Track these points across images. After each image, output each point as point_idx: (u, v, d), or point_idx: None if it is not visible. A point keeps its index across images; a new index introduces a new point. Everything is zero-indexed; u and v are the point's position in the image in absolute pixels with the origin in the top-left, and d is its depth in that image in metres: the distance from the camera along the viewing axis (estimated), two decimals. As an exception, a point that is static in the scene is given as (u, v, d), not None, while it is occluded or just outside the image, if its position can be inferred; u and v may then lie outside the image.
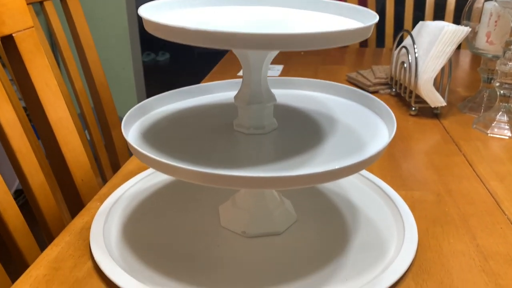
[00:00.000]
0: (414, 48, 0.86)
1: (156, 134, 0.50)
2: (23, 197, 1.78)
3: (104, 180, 1.07)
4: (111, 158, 1.13)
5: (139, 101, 2.38)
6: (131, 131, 0.51)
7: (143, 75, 2.52)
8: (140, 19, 2.53)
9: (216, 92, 0.62)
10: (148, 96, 2.55)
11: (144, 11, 0.45)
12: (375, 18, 0.44)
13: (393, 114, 0.49)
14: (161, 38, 0.40)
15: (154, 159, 0.41)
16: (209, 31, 0.37)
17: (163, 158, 0.44)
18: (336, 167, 0.40)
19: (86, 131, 1.08)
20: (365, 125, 0.52)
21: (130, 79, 2.37)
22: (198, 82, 1.07)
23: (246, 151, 0.47)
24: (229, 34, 0.37)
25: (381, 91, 1.01)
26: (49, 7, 0.96)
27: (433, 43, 0.83)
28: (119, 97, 2.24)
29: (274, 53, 0.48)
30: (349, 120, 0.53)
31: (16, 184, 1.73)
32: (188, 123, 0.53)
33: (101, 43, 2.24)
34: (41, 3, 0.94)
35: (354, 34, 0.40)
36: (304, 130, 0.51)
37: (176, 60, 4.05)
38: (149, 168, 0.66)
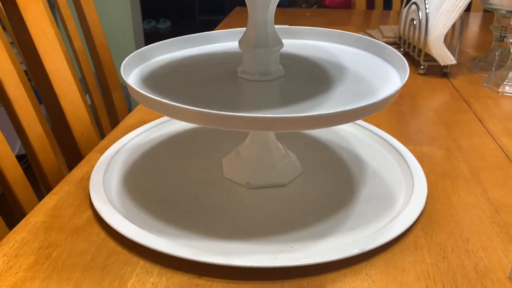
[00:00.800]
0: (425, 4, 0.83)
1: (157, 80, 0.48)
2: (25, 161, 1.78)
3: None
4: (112, 120, 1.11)
5: (140, 67, 2.35)
6: (131, 77, 0.48)
7: (144, 43, 2.47)
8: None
9: (220, 42, 0.59)
10: (149, 62, 2.51)
11: None
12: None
13: (404, 59, 0.47)
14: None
15: (156, 100, 0.39)
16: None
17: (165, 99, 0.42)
18: (345, 109, 0.38)
19: (87, 96, 1.05)
20: (375, 72, 0.49)
21: (131, 45, 2.33)
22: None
23: (251, 98, 0.45)
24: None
25: (389, 51, 0.98)
26: (46, -40, 0.92)
27: (445, -3, 0.80)
28: (118, 62, 2.21)
29: (281, -7, 0.45)
30: (359, 68, 0.51)
31: (18, 149, 1.72)
32: (190, 71, 0.51)
33: (100, 6, 2.19)
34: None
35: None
36: (312, 78, 0.49)
37: (177, 27, 3.98)
38: (150, 122, 0.64)
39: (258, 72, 0.48)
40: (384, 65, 0.51)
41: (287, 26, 0.60)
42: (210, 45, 0.59)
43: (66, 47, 0.94)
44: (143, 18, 2.64)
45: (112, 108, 1.07)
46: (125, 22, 2.30)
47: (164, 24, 3.95)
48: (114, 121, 1.10)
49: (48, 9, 0.81)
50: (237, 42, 0.59)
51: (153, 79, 0.48)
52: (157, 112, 0.41)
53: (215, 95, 0.45)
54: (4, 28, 0.79)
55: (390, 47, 0.51)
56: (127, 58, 0.48)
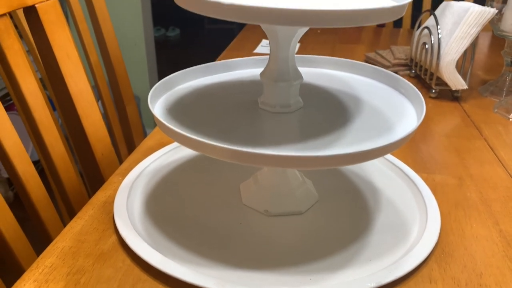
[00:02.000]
0: (438, 29, 0.84)
1: (181, 110, 0.50)
2: (37, 166, 1.80)
3: (118, 155, 1.08)
4: (125, 133, 1.13)
5: (150, 77, 2.38)
6: (157, 106, 0.50)
7: (155, 53, 2.50)
8: (153, -7, 2.47)
9: (240, 69, 0.61)
10: (160, 72, 2.54)
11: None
12: (410, -4, 0.43)
13: (421, 95, 0.48)
14: (193, 11, 0.40)
15: (181, 134, 0.41)
16: (242, 5, 0.36)
17: (189, 133, 0.44)
18: (364, 149, 0.39)
19: (100, 105, 1.07)
20: (391, 106, 0.51)
21: (142, 55, 2.36)
22: (209, 58, 1.06)
23: (272, 130, 0.47)
24: (261, 9, 0.36)
25: (400, 72, 0.99)
26: (65, -22, 0.94)
27: (458, 24, 0.81)
28: (131, 73, 2.24)
29: (303, 31, 0.47)
30: (375, 100, 0.53)
31: (30, 153, 1.74)
32: (212, 100, 0.53)
33: (113, 19, 2.22)
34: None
35: (389, 13, 0.39)
36: (329, 110, 0.51)
37: (186, 35, 4.02)
38: (169, 144, 0.66)
39: (278, 104, 0.50)
40: (400, 98, 0.53)
41: (304, 55, 0.61)
42: (230, 73, 0.60)
43: (82, 61, 0.97)
44: (153, 26, 2.66)
45: (126, 120, 1.10)
46: (137, 32, 2.33)
47: (173, 32, 3.99)
48: (128, 133, 1.12)
49: (72, 34, 0.83)
50: (256, 69, 0.61)
51: (178, 109, 0.50)
52: (184, 146, 0.42)
53: (237, 126, 0.47)
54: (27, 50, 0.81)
55: (405, 80, 0.53)
56: (153, 89, 0.50)
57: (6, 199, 1.70)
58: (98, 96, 1.07)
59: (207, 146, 0.40)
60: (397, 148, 0.42)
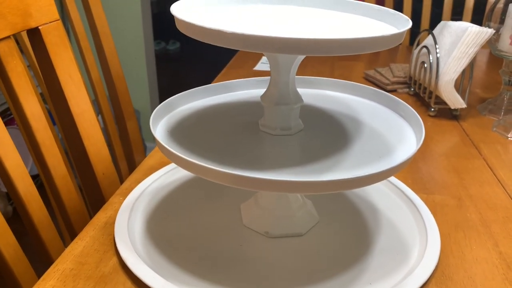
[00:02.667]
0: (436, 48, 0.85)
1: (182, 132, 0.50)
2: (36, 181, 1.80)
3: (118, 171, 1.08)
4: (125, 149, 1.13)
5: (151, 91, 2.39)
6: (158, 128, 0.51)
7: (156, 66, 2.52)
8: (152, 9, 2.50)
9: (240, 90, 0.62)
10: (160, 85, 2.55)
11: (176, 9, 0.45)
12: (408, 23, 0.44)
13: (420, 119, 0.49)
14: (194, 38, 0.40)
15: (183, 159, 0.42)
16: (244, 34, 0.37)
17: (190, 157, 0.44)
18: (364, 174, 0.40)
19: (101, 120, 1.08)
20: (390, 129, 0.51)
21: (142, 69, 2.37)
22: (209, 72, 1.07)
23: (272, 153, 0.47)
24: (263, 38, 0.37)
25: (399, 90, 1.00)
26: (68, -4, 0.96)
27: (456, 44, 0.82)
28: (131, 86, 2.25)
29: (303, 56, 0.48)
30: (375, 122, 0.53)
31: (29, 168, 1.75)
32: (213, 121, 0.53)
33: (113, 33, 2.24)
34: (60, -8, 0.94)
35: (390, 40, 0.40)
36: (329, 132, 0.51)
37: (187, 49, 4.04)
38: (170, 163, 0.66)
39: (279, 127, 0.50)
40: (400, 121, 0.53)
41: (305, 76, 0.62)
42: (231, 94, 0.61)
43: (83, 77, 0.98)
44: (153, 40, 2.69)
45: (126, 136, 1.10)
46: (138, 46, 2.35)
47: (174, 46, 4.02)
48: (128, 150, 1.13)
49: (74, 55, 0.84)
50: (257, 90, 0.62)
51: (179, 131, 0.50)
52: (185, 169, 0.43)
53: (238, 149, 0.47)
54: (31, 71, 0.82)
55: (405, 103, 0.53)
56: (155, 111, 0.50)
57: (5, 214, 1.70)
58: (98, 111, 1.07)
59: (208, 170, 0.41)
60: (396, 172, 0.42)
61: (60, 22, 0.63)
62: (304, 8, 0.54)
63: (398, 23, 0.46)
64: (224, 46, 0.39)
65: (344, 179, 0.39)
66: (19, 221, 0.59)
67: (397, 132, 0.51)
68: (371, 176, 0.40)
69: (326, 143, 0.49)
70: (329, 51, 0.37)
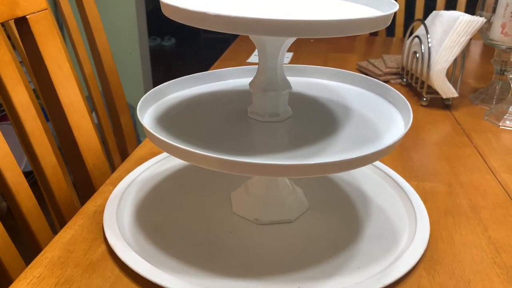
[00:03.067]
0: (428, 38, 0.85)
1: (170, 120, 0.50)
2: (30, 178, 1.79)
3: (112, 164, 1.08)
4: (119, 142, 1.13)
5: (145, 86, 2.38)
6: (146, 116, 0.50)
7: (150, 62, 2.51)
8: (147, 3, 2.49)
9: (230, 79, 0.61)
10: (154, 81, 2.55)
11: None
12: (395, 6, 0.44)
13: (408, 104, 0.49)
14: (180, 22, 0.40)
15: (170, 144, 0.41)
16: (228, 16, 0.37)
17: (178, 143, 0.44)
18: (351, 157, 0.40)
19: (94, 115, 1.08)
20: (379, 115, 0.51)
21: (137, 64, 2.36)
22: (204, 68, 1.07)
23: (261, 139, 0.47)
24: (248, 20, 0.37)
25: (392, 81, 1.00)
26: (59, -11, 0.95)
27: (447, 33, 0.82)
28: (125, 82, 2.24)
29: (290, 41, 0.47)
30: (363, 109, 0.53)
31: (23, 165, 1.74)
32: (202, 109, 0.53)
33: (107, 28, 2.22)
34: (51, -15, 0.93)
35: (375, 22, 0.39)
36: (318, 119, 0.51)
37: (182, 45, 4.03)
38: (160, 153, 0.66)
39: (267, 113, 0.50)
40: (389, 106, 0.53)
41: (294, 65, 0.62)
42: (220, 82, 0.61)
43: (76, 71, 0.97)
44: (148, 36, 2.68)
45: (120, 130, 1.10)
46: (132, 41, 2.34)
47: (169, 42, 4.01)
48: (121, 143, 1.12)
49: (64, 45, 0.84)
50: (246, 79, 0.61)
51: (167, 118, 0.50)
52: (172, 155, 0.42)
53: (227, 136, 0.47)
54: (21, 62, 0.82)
55: (393, 89, 0.53)
56: (142, 99, 0.50)
57: (0, 210, 1.69)
58: (92, 107, 1.07)
59: (196, 156, 0.41)
60: (384, 155, 0.42)
61: (48, 11, 0.63)
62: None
63: (385, 8, 0.46)
64: (209, 29, 0.38)
65: (331, 161, 0.39)
66: (14, 218, 0.59)
67: (386, 118, 0.51)
68: (358, 159, 0.40)
69: (315, 129, 0.49)
70: (314, 33, 0.37)
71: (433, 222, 0.53)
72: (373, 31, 0.40)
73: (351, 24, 0.38)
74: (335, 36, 0.38)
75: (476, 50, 1.31)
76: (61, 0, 0.96)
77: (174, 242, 0.49)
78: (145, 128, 0.44)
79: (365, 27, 0.39)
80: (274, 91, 0.49)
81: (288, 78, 0.61)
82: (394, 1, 0.45)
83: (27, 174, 1.81)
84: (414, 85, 0.92)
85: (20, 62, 0.99)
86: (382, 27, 0.41)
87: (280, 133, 0.48)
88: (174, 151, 0.42)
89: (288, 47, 0.48)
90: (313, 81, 0.61)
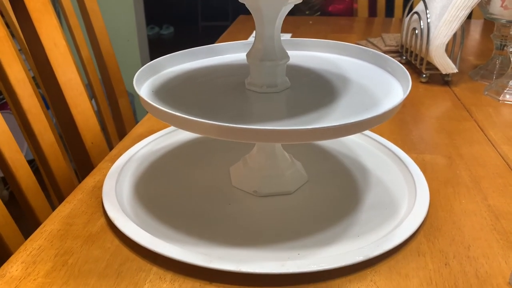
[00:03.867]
0: (427, 14, 0.84)
1: (168, 92, 0.50)
2: (32, 165, 1.80)
3: (111, 148, 1.08)
4: (118, 127, 1.13)
5: (144, 74, 2.37)
6: (143, 89, 0.50)
7: (148, 49, 2.50)
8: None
9: (227, 53, 0.61)
10: (153, 69, 2.54)
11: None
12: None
13: (407, 72, 0.48)
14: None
15: (168, 113, 0.41)
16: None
17: (177, 112, 0.44)
18: (348, 122, 0.39)
19: (93, 100, 1.07)
20: (378, 84, 0.51)
21: (135, 51, 2.35)
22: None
23: (259, 109, 0.47)
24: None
25: (391, 59, 0.99)
26: (54, -29, 0.94)
27: (446, 7, 0.81)
28: (124, 70, 2.23)
29: (288, 7, 0.47)
30: (362, 79, 0.53)
31: (25, 152, 1.74)
32: (200, 82, 0.52)
33: (105, 16, 2.21)
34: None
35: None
36: (317, 89, 0.51)
37: (180, 34, 4.01)
38: (159, 131, 0.66)
39: (265, 84, 0.50)
40: (387, 76, 0.53)
41: (292, 38, 0.61)
42: (217, 57, 0.60)
43: (73, 56, 0.96)
44: (147, 24, 2.67)
45: (119, 114, 1.09)
46: (130, 29, 2.33)
47: (167, 30, 3.98)
48: (120, 128, 1.12)
49: (59, 22, 0.83)
50: (244, 53, 0.61)
51: (164, 91, 0.50)
52: (169, 124, 0.42)
53: (224, 106, 0.47)
54: (13, 36, 0.81)
55: (392, 59, 0.53)
56: (139, 71, 0.49)
57: (1, 198, 1.70)
58: (91, 94, 1.06)
59: (194, 123, 0.40)
60: (382, 121, 0.42)
61: (42, -12, 0.62)
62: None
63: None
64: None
65: (328, 126, 0.39)
66: (15, 206, 0.59)
67: (385, 87, 0.50)
68: (356, 123, 0.40)
69: (313, 99, 0.48)
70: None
71: (432, 192, 0.53)
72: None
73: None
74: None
75: (476, 29, 1.30)
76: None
77: (173, 214, 0.49)
78: (142, 98, 0.44)
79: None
80: (271, 61, 0.48)
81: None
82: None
83: (28, 163, 1.81)
84: (413, 62, 0.92)
85: (20, 51, 0.98)
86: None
87: (278, 103, 0.48)
88: (173, 120, 0.42)
89: (285, 14, 0.47)
90: (312, 54, 0.61)
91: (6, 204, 0.54)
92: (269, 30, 0.47)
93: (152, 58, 2.57)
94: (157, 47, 3.55)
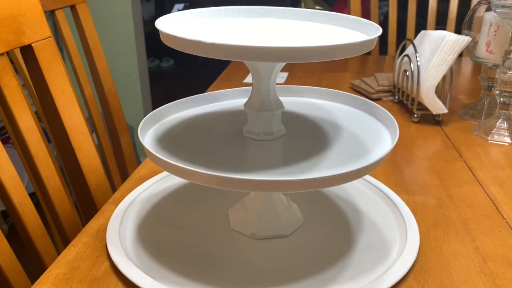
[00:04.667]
0: (416, 57, 0.88)
1: (170, 140, 0.52)
2: (33, 198, 1.81)
3: (112, 184, 1.10)
4: (119, 163, 1.15)
5: (144, 107, 2.41)
6: (147, 137, 0.53)
7: (149, 83, 2.55)
8: (145, 26, 2.54)
9: (225, 100, 0.64)
10: (154, 102, 2.58)
11: (160, 23, 0.48)
12: (379, 31, 0.47)
13: (395, 120, 0.51)
14: (178, 50, 0.43)
15: (170, 163, 0.44)
16: (223, 44, 0.40)
17: (178, 162, 0.46)
18: (341, 172, 0.42)
19: (95, 136, 1.10)
20: (368, 132, 0.54)
21: (136, 85, 2.40)
22: (203, 88, 1.10)
23: (256, 156, 0.50)
24: (241, 48, 0.40)
25: (384, 99, 1.03)
26: (59, 15, 0.99)
27: (435, 52, 0.86)
28: (125, 103, 2.27)
29: (282, 64, 0.50)
30: (353, 126, 0.56)
31: (25, 184, 1.76)
32: (200, 130, 0.55)
33: (107, 50, 2.27)
34: (52, 11, 0.97)
35: (360, 47, 0.42)
36: (310, 136, 0.53)
37: (180, 66, 4.09)
38: (160, 173, 0.68)
39: (262, 132, 0.53)
40: (377, 124, 0.56)
41: (287, 85, 0.65)
42: (217, 103, 0.64)
43: (76, 94, 1.00)
44: (147, 57, 2.73)
45: (120, 151, 1.12)
46: (131, 63, 2.39)
47: (167, 63, 4.06)
48: (122, 164, 1.15)
49: (66, 69, 0.87)
50: (242, 99, 0.64)
51: (167, 139, 0.53)
52: (172, 174, 0.45)
53: (223, 154, 0.50)
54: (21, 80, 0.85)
55: (381, 107, 0.56)
56: (143, 121, 0.53)
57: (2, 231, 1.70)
58: (93, 128, 1.10)
59: (194, 174, 0.43)
60: (372, 170, 0.45)
61: (52, 39, 0.66)
62: (285, 20, 0.57)
63: (370, 31, 0.49)
64: (205, 56, 0.41)
65: (322, 177, 0.42)
66: (15, 239, 0.61)
67: (375, 135, 0.53)
68: (347, 174, 0.42)
69: (307, 147, 0.51)
70: (302, 58, 0.40)
71: (423, 234, 0.55)
72: (357, 54, 0.43)
73: (336, 49, 0.41)
74: (322, 60, 0.41)
75: (466, 67, 1.35)
76: (61, 25, 0.99)
77: (174, 257, 0.51)
78: (146, 148, 0.47)
79: (350, 51, 0.42)
80: (268, 111, 0.51)
81: (281, 98, 0.64)
82: (378, 26, 0.48)
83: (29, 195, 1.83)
84: (405, 102, 0.95)
85: (22, 85, 1.02)
86: (367, 50, 0.44)
87: (274, 150, 0.51)
88: (174, 170, 0.44)
89: (280, 69, 0.51)
90: (305, 101, 0.64)
91: (6, 237, 0.56)
92: (265, 84, 0.50)
93: (153, 90, 2.61)
94: (158, 80, 3.62)
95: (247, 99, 0.64)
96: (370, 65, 1.38)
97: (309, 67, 1.33)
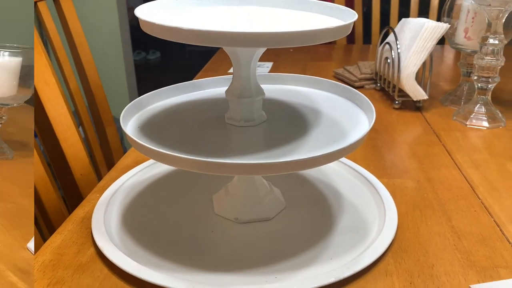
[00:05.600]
0: (397, 44, 0.90)
1: (152, 128, 0.53)
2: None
3: (99, 176, 1.10)
4: (106, 155, 1.16)
5: (131, 100, 2.41)
6: (129, 125, 0.54)
7: (135, 76, 2.54)
8: (131, 18, 2.53)
9: (208, 88, 0.65)
10: (140, 95, 2.58)
11: (140, 11, 0.48)
12: (354, 16, 0.48)
13: (372, 105, 0.53)
14: (157, 37, 0.44)
15: (153, 150, 0.45)
16: (201, 30, 0.40)
17: (160, 148, 0.47)
18: (319, 154, 0.44)
19: (81, 129, 1.10)
20: (347, 117, 0.55)
21: (122, 78, 2.39)
22: (190, 80, 1.11)
23: (238, 142, 0.51)
24: (219, 33, 0.40)
25: (367, 86, 1.05)
26: (42, 7, 0.98)
27: (415, 39, 0.87)
28: (111, 95, 2.26)
29: (261, 50, 0.51)
30: (333, 112, 0.57)
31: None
32: (182, 117, 0.56)
33: (92, 42, 2.25)
34: (34, 3, 0.96)
35: (334, 32, 0.43)
36: (291, 122, 0.55)
37: (167, 58, 4.07)
38: (145, 162, 0.69)
39: (243, 119, 0.54)
40: (356, 109, 0.57)
41: (269, 73, 0.66)
42: (200, 92, 0.64)
43: (62, 87, 1.00)
44: (133, 50, 2.71)
45: (106, 143, 1.12)
46: (117, 56, 2.37)
47: (154, 55, 4.04)
48: (108, 155, 1.15)
49: (50, 61, 0.87)
50: (224, 88, 0.65)
51: (149, 127, 0.53)
52: (153, 159, 0.46)
53: (206, 140, 0.51)
54: None
55: (359, 92, 0.57)
56: (125, 109, 0.53)
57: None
58: (79, 121, 1.10)
59: (177, 159, 0.44)
60: (349, 152, 0.46)
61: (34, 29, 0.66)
62: (264, 8, 0.58)
63: (347, 17, 0.50)
64: (184, 42, 0.42)
65: (300, 159, 0.43)
66: None
67: (353, 120, 0.55)
68: (324, 156, 0.44)
69: (287, 132, 0.52)
70: (279, 43, 0.41)
71: (401, 215, 0.57)
72: (334, 39, 0.44)
73: (312, 34, 0.42)
74: (297, 45, 0.42)
75: (448, 55, 1.37)
76: (44, 17, 0.99)
77: (159, 242, 0.52)
78: (128, 135, 0.47)
79: (326, 36, 0.43)
80: (248, 98, 0.52)
81: (263, 85, 0.65)
82: (355, 12, 0.49)
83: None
84: (387, 89, 0.97)
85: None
86: (342, 36, 0.45)
87: (255, 136, 0.52)
88: (157, 156, 0.45)
89: (259, 56, 0.52)
90: (287, 88, 0.65)
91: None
92: (246, 71, 0.51)
93: (140, 83, 2.60)
94: (144, 72, 3.60)
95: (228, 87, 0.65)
96: (354, 54, 1.39)
97: (294, 57, 1.34)
